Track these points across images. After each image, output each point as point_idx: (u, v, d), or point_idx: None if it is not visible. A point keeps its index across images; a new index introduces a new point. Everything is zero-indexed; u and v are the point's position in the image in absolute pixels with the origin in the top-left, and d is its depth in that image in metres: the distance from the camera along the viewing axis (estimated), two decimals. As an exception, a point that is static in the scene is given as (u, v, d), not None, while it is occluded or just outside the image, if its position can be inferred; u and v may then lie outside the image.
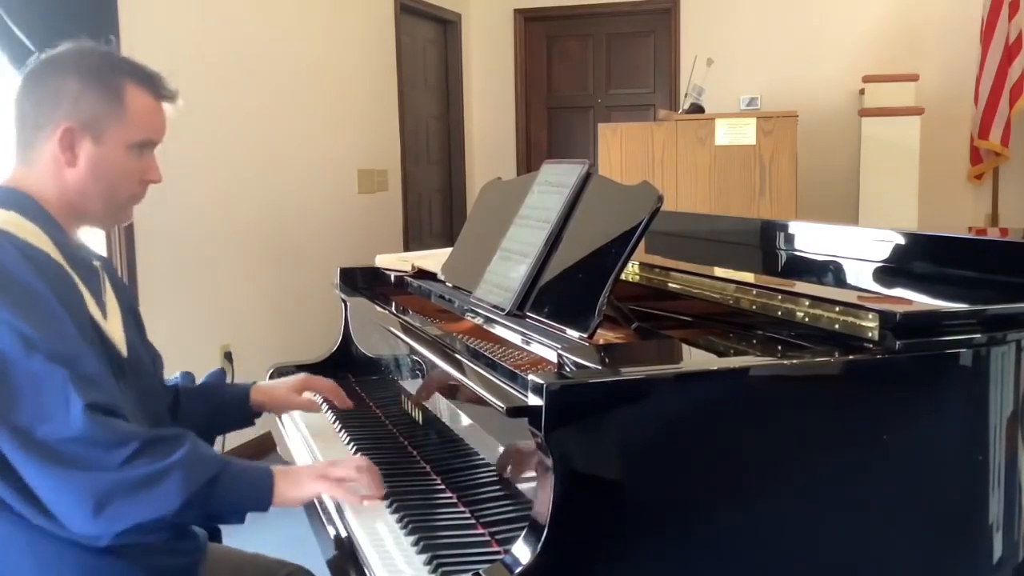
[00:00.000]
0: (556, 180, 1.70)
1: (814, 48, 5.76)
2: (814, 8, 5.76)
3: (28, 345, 1.20)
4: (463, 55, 6.36)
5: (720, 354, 1.32)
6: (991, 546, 1.27)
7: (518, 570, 1.07)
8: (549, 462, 1.08)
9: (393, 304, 2.13)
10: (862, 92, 5.35)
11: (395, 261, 2.40)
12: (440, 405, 1.64)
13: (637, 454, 1.13)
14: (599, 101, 6.42)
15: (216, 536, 1.59)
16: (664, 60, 6.19)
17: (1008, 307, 1.32)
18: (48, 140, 1.36)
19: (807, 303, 1.34)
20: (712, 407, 1.16)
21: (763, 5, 5.85)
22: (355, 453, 1.72)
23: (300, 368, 2.22)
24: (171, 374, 1.73)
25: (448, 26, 6.24)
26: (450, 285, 1.94)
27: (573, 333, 1.40)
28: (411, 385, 1.83)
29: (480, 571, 1.10)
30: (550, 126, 6.58)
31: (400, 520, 1.38)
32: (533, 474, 1.18)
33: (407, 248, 5.47)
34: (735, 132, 4.32)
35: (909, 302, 1.51)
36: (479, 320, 1.71)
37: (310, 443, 1.84)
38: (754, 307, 1.44)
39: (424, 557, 1.26)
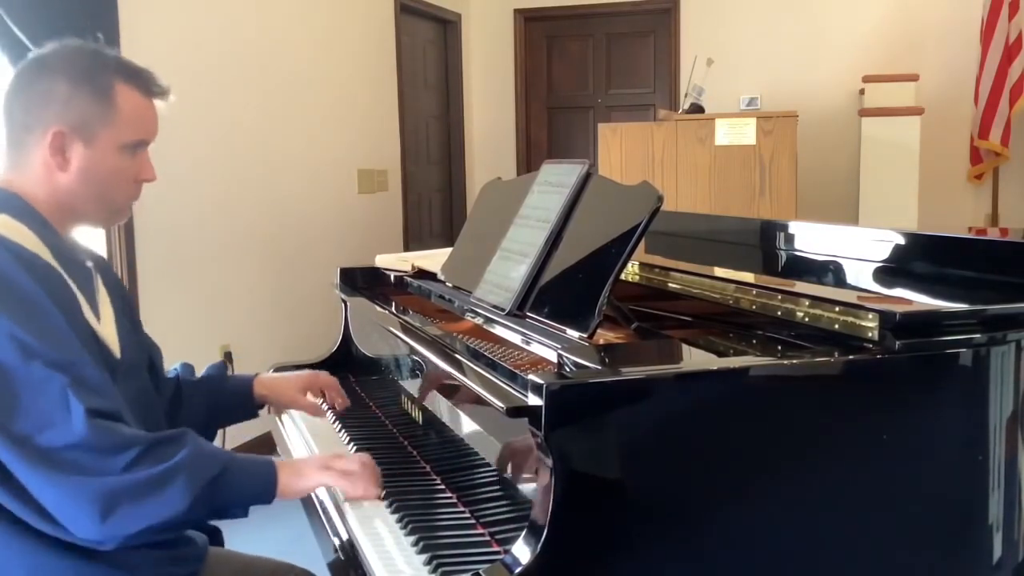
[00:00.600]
0: (556, 180, 1.70)
1: (814, 48, 5.76)
2: (814, 8, 5.76)
3: (26, 352, 1.18)
4: (463, 55, 6.36)
5: (720, 354, 1.32)
6: (991, 546, 1.27)
7: (518, 570, 1.07)
8: (549, 462, 1.08)
9: (393, 304, 2.13)
10: (862, 92, 5.35)
11: (395, 261, 2.40)
12: (440, 405, 1.64)
13: (637, 454, 1.13)
14: (599, 101, 6.42)
15: (217, 538, 1.59)
16: (664, 60, 6.19)
17: (1008, 307, 1.32)
18: (38, 144, 1.35)
19: (807, 303, 1.34)
20: (712, 407, 1.16)
21: (763, 5, 5.85)
22: (355, 453, 1.72)
23: (300, 368, 2.22)
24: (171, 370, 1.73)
25: (448, 26, 6.24)
26: (450, 285, 1.94)
27: (573, 333, 1.40)
28: (411, 385, 1.83)
29: (480, 571, 1.10)
30: (550, 126, 6.58)
31: (400, 520, 1.38)
32: (533, 474, 1.18)
33: (407, 248, 5.47)
34: (735, 132, 4.32)
35: (909, 302, 1.51)
36: (479, 320, 1.71)
37: (310, 443, 1.84)
38: (754, 307, 1.44)
39: (424, 557, 1.26)
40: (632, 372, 1.17)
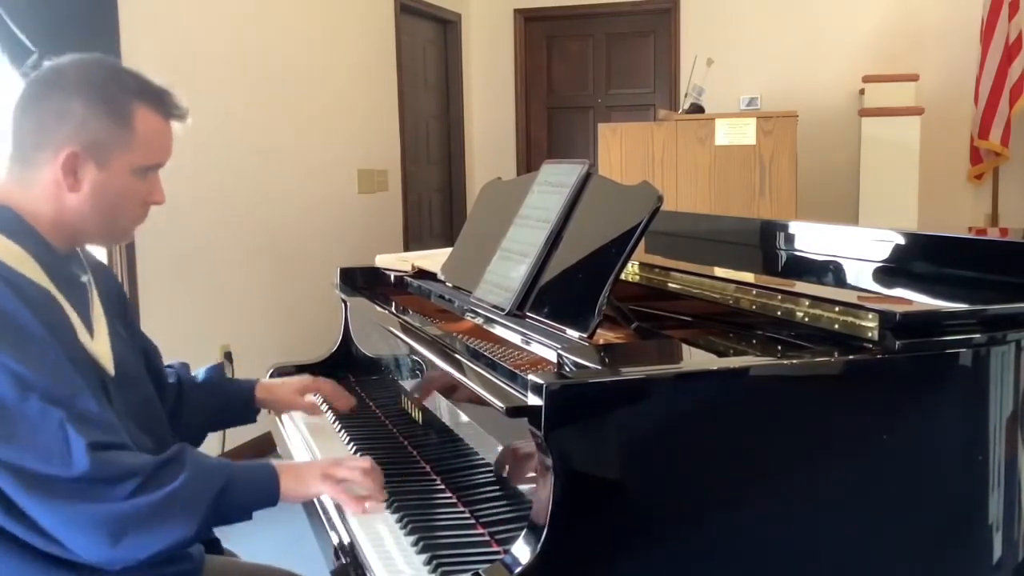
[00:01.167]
0: (556, 180, 1.70)
1: (814, 48, 5.76)
2: (814, 8, 5.76)
3: (23, 386, 1.16)
4: (463, 55, 6.36)
5: (720, 354, 1.32)
6: (991, 546, 1.27)
7: (518, 570, 1.07)
8: (549, 462, 1.08)
9: (393, 304, 2.13)
10: (862, 92, 5.35)
11: (395, 261, 2.40)
12: (440, 405, 1.64)
13: (637, 454, 1.13)
14: (599, 101, 6.42)
15: (215, 547, 1.59)
16: (664, 60, 6.19)
17: (1008, 307, 1.32)
18: (49, 163, 1.30)
19: (807, 303, 1.34)
20: (712, 407, 1.16)
21: (763, 5, 5.84)
22: (355, 453, 1.72)
23: (300, 368, 2.22)
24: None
25: (448, 26, 6.24)
26: (450, 285, 1.94)
27: (573, 333, 1.40)
28: (411, 385, 1.83)
29: (480, 571, 1.10)
30: (550, 126, 6.57)
31: (400, 520, 1.38)
32: (533, 474, 1.18)
33: (407, 248, 5.46)
34: (735, 132, 4.32)
35: (909, 302, 1.51)
36: (479, 320, 1.71)
37: (310, 443, 1.84)
38: (754, 307, 1.44)
39: (424, 557, 1.26)
40: (632, 372, 1.18)
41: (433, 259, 2.17)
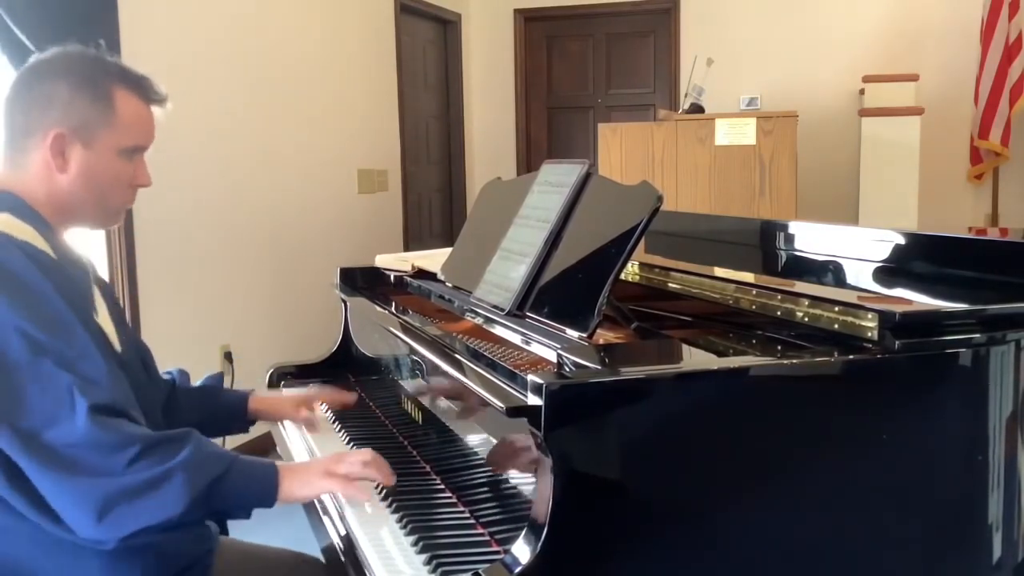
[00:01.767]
0: (556, 180, 1.70)
1: (814, 48, 5.76)
2: (814, 8, 5.76)
3: (37, 348, 1.20)
4: (463, 55, 6.36)
5: (720, 354, 1.32)
6: (991, 546, 1.27)
7: (518, 570, 1.07)
8: (549, 462, 1.08)
9: (393, 304, 2.13)
10: (862, 92, 5.35)
11: (395, 261, 2.40)
12: (440, 405, 1.64)
13: (637, 454, 1.13)
14: (599, 101, 6.42)
15: (222, 529, 1.60)
16: (664, 60, 6.19)
17: (1008, 307, 1.32)
18: (39, 146, 1.36)
19: (807, 303, 1.34)
20: (712, 407, 1.16)
21: (763, 5, 5.85)
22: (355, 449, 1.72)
23: (300, 368, 2.22)
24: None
25: (448, 26, 6.24)
26: (450, 285, 1.94)
27: (573, 333, 1.40)
28: (411, 385, 1.83)
29: (480, 571, 1.10)
30: (550, 126, 6.58)
31: (400, 520, 1.38)
32: (531, 474, 1.18)
33: (407, 248, 5.46)
34: (735, 132, 4.32)
35: (909, 302, 1.51)
36: (479, 320, 1.71)
37: (310, 443, 1.84)
38: (754, 307, 1.44)
39: (424, 557, 1.26)
40: (632, 372, 1.18)
41: (433, 259, 2.17)
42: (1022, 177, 5.57)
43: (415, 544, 1.30)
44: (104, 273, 3.25)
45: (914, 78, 5.19)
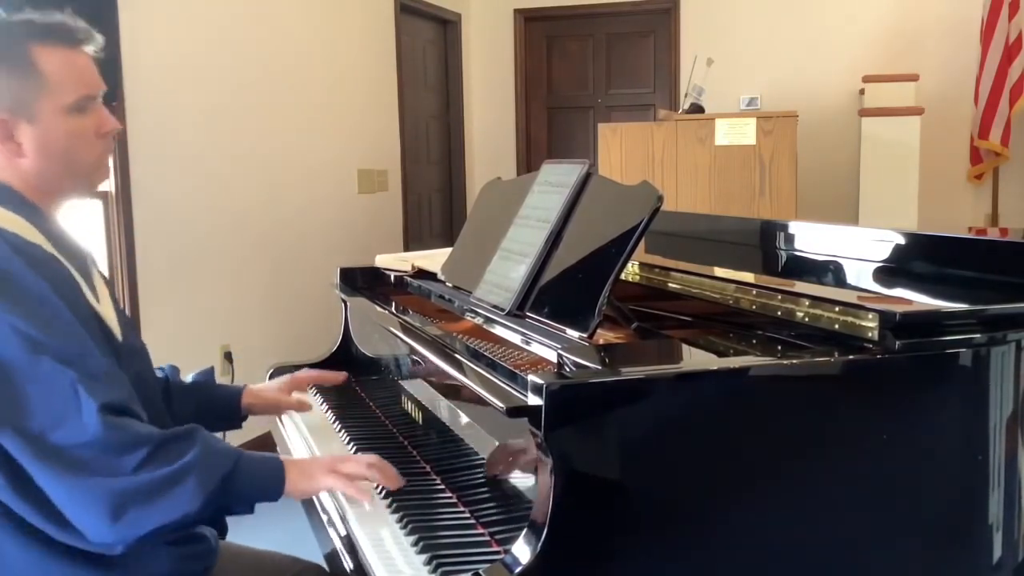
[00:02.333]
0: (556, 180, 1.70)
1: (814, 48, 5.76)
2: (814, 8, 5.76)
3: (34, 347, 1.17)
4: (463, 55, 6.36)
5: (720, 354, 1.32)
6: (991, 546, 1.27)
7: (518, 570, 1.07)
8: (549, 462, 1.08)
9: (393, 304, 2.13)
10: (862, 92, 5.35)
11: (395, 261, 2.40)
12: (440, 405, 1.64)
13: (637, 454, 1.13)
14: (599, 101, 6.42)
15: (221, 531, 1.59)
16: (664, 60, 6.19)
17: (1008, 307, 1.32)
18: None
19: (807, 303, 1.34)
20: (712, 407, 1.16)
21: (763, 5, 5.84)
22: (355, 453, 1.72)
23: (300, 368, 2.22)
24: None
25: (448, 26, 6.24)
26: (450, 285, 1.94)
27: (573, 333, 1.40)
28: (411, 385, 1.83)
29: (480, 571, 1.10)
30: (550, 126, 6.57)
31: (400, 520, 1.38)
32: (531, 474, 1.18)
33: (407, 248, 5.46)
34: (735, 132, 4.32)
35: (909, 302, 1.51)
36: (479, 320, 1.71)
37: (310, 443, 1.84)
38: (754, 307, 1.44)
39: (424, 557, 1.26)
40: (632, 372, 1.17)
41: (433, 259, 2.17)
42: (1022, 177, 5.57)
43: (415, 544, 1.30)
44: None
45: (914, 78, 5.19)
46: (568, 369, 1.24)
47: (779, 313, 1.38)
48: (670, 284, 1.68)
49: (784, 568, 1.19)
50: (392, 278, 2.38)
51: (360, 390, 2.11)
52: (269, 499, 1.33)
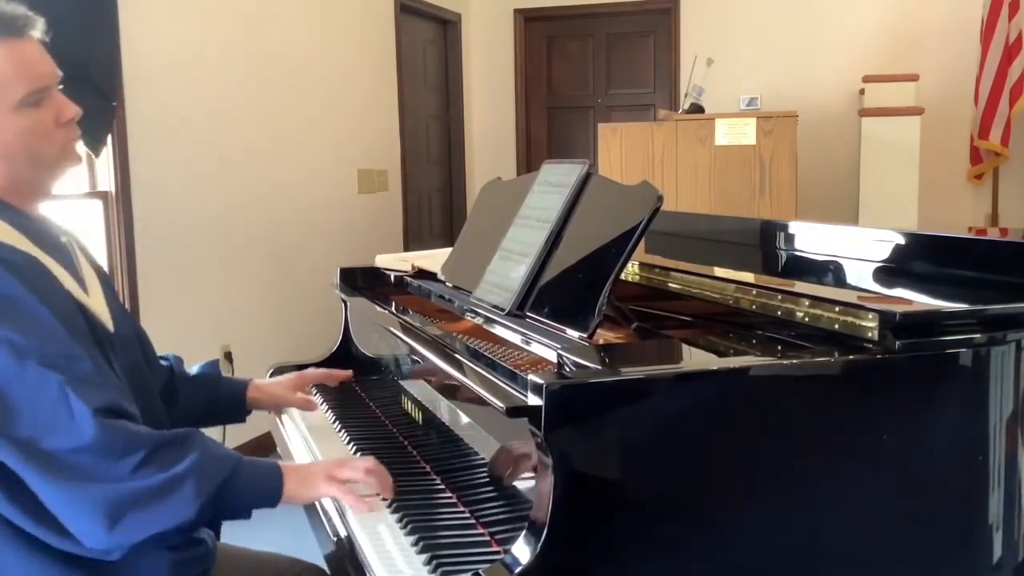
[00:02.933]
0: (556, 180, 1.69)
1: (814, 48, 5.76)
2: (814, 8, 5.76)
3: (18, 353, 1.15)
4: (463, 55, 6.36)
5: (720, 354, 1.32)
6: (991, 546, 1.27)
7: (518, 570, 1.07)
8: (549, 462, 1.08)
9: (393, 304, 2.13)
10: (862, 92, 5.35)
11: (395, 261, 2.40)
12: (440, 405, 1.64)
13: (637, 454, 1.13)
14: (599, 101, 6.42)
15: (215, 531, 1.59)
16: (664, 60, 6.19)
17: (1008, 307, 1.32)
18: None
19: (807, 303, 1.34)
20: (712, 407, 1.16)
21: (763, 5, 5.85)
22: (355, 453, 1.73)
23: (300, 368, 2.22)
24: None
25: (448, 26, 6.24)
26: (450, 285, 1.94)
27: (573, 333, 1.40)
28: (411, 385, 1.83)
29: (480, 571, 1.10)
30: (550, 126, 6.58)
31: (400, 520, 1.38)
32: (532, 474, 1.18)
33: (407, 248, 5.46)
34: (735, 132, 4.32)
35: (909, 302, 1.51)
36: (479, 320, 1.71)
37: (310, 443, 1.84)
38: (754, 307, 1.44)
39: (424, 557, 1.26)
40: (632, 372, 1.17)
41: (433, 259, 2.17)
42: (1022, 177, 5.57)
43: (415, 544, 1.30)
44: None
45: (914, 78, 5.20)
46: (568, 369, 1.24)
47: (779, 313, 1.38)
48: (670, 284, 1.68)
49: (783, 567, 1.19)
50: (392, 278, 2.38)
51: (360, 390, 2.11)
52: (267, 505, 1.33)
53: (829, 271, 1.87)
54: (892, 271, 1.77)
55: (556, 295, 1.53)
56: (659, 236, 2.42)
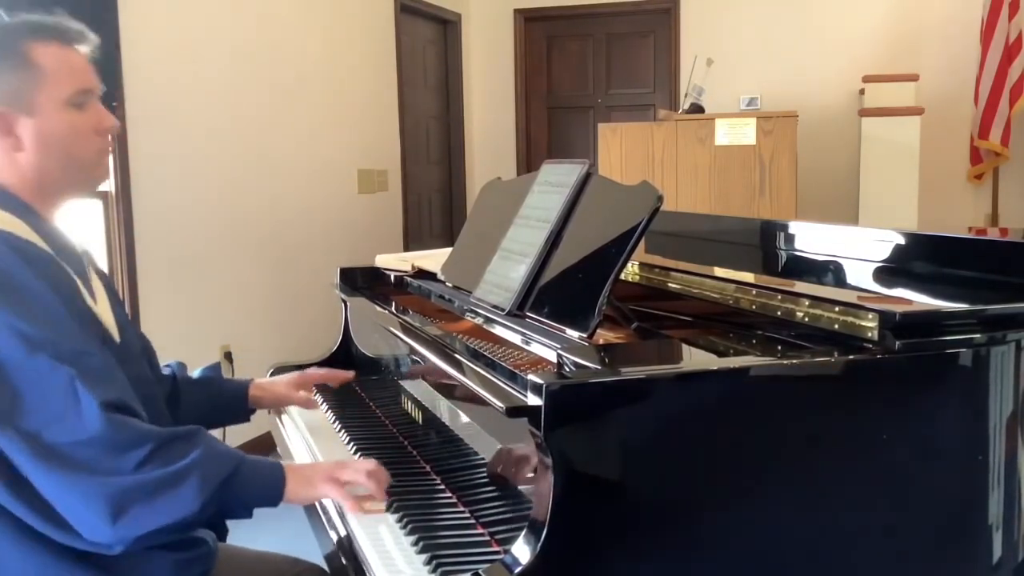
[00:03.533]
0: (556, 180, 1.70)
1: (814, 48, 5.76)
2: (814, 8, 5.76)
3: (31, 345, 1.16)
4: (463, 55, 6.36)
5: (720, 354, 1.32)
6: (991, 546, 1.27)
7: (518, 570, 1.07)
8: (549, 462, 1.08)
9: (393, 304, 2.13)
10: (862, 92, 5.35)
11: (395, 261, 2.40)
12: (440, 405, 1.64)
13: (637, 454, 1.13)
14: (599, 101, 6.42)
15: (222, 534, 1.59)
16: (664, 60, 6.19)
17: (1008, 307, 1.32)
18: None
19: (807, 303, 1.34)
20: (712, 407, 1.16)
21: (763, 5, 5.84)
22: (355, 453, 1.73)
23: (300, 368, 2.22)
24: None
25: (448, 26, 6.24)
26: (450, 285, 1.94)
27: (573, 333, 1.40)
28: (411, 385, 1.83)
29: (480, 571, 1.10)
30: (550, 126, 6.58)
31: (400, 520, 1.38)
32: (532, 474, 1.18)
33: (407, 248, 5.46)
34: (735, 132, 4.32)
35: (909, 302, 1.51)
36: (479, 320, 1.71)
37: (310, 443, 1.84)
38: (754, 307, 1.44)
39: (424, 557, 1.26)
40: (632, 372, 1.17)
41: (433, 259, 2.17)
42: (1022, 177, 5.57)
43: (415, 544, 1.30)
44: (104, 273, 3.25)
45: (914, 78, 5.20)
46: (568, 369, 1.24)
47: (779, 313, 1.38)
48: (670, 284, 1.68)
49: (783, 567, 1.19)
50: (392, 278, 2.38)
51: (360, 390, 2.11)
52: (268, 504, 1.33)
53: (829, 271, 1.87)
54: (892, 271, 1.77)
55: (556, 295, 1.53)
56: (659, 236, 2.42)
